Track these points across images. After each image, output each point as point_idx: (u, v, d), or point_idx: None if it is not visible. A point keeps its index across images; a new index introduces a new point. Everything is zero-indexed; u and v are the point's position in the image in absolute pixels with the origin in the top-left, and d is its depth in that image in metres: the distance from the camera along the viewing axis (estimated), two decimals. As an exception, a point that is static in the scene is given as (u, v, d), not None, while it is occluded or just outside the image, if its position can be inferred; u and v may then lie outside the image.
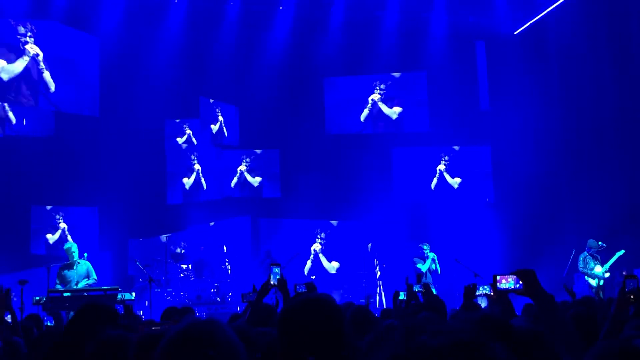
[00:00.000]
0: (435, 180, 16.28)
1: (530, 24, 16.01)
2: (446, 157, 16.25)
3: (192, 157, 16.19)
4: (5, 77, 14.08)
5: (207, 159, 16.31)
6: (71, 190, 14.11)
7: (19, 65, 14.24)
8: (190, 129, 16.09)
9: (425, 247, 13.46)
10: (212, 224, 15.94)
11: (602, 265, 12.69)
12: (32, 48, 14.33)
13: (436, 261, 13.41)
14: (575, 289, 12.58)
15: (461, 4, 15.65)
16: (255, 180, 16.49)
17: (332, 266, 15.88)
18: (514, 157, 15.41)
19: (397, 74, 16.43)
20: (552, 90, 15.64)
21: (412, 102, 16.43)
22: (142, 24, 15.06)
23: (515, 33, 16.33)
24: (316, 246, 15.94)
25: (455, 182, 16.22)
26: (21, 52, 14.24)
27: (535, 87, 15.63)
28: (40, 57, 14.38)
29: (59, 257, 13.32)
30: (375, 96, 16.48)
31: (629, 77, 14.48)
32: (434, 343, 1.33)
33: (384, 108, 16.46)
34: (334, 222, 16.06)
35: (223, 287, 14.59)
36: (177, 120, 16.09)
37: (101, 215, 14.94)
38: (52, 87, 14.55)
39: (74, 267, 10.51)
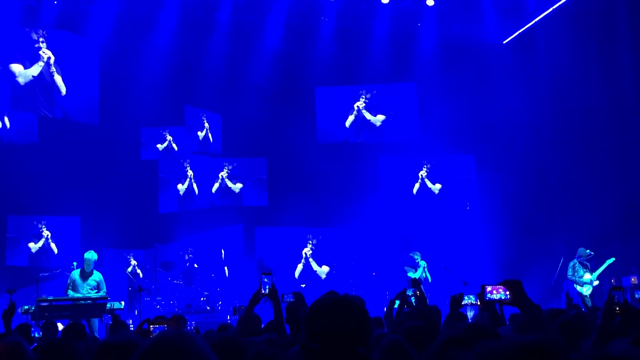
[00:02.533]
0: (417, 185, 16.37)
1: (519, 33, 16.12)
2: (428, 165, 16.35)
3: (185, 163, 16.18)
4: (21, 81, 14.17)
5: (194, 166, 16.31)
6: (51, 199, 13.95)
7: (35, 70, 14.33)
8: (170, 135, 16.06)
9: (416, 256, 13.53)
10: (210, 231, 15.93)
11: (592, 273, 12.76)
12: (45, 53, 14.40)
13: (426, 270, 13.48)
14: (563, 297, 12.66)
15: (450, 14, 15.74)
16: (236, 187, 16.48)
17: (322, 270, 15.91)
18: (502, 166, 15.48)
19: (386, 84, 16.53)
20: (540, 99, 15.73)
21: (401, 111, 16.51)
22: (132, 33, 15.08)
23: (504, 42, 16.44)
24: (307, 250, 15.97)
25: (435, 187, 16.31)
26: (36, 57, 14.31)
27: (524, 96, 15.73)
28: (52, 61, 14.43)
29: (40, 268, 13.24)
30: (360, 104, 16.57)
31: (617, 86, 14.58)
32: None
33: (367, 115, 16.56)
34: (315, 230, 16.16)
35: (213, 295, 14.55)
36: (163, 128, 16.03)
37: (83, 225, 14.74)
38: (63, 90, 14.59)
39: (87, 277, 10.74)
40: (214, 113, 16.46)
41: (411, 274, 13.36)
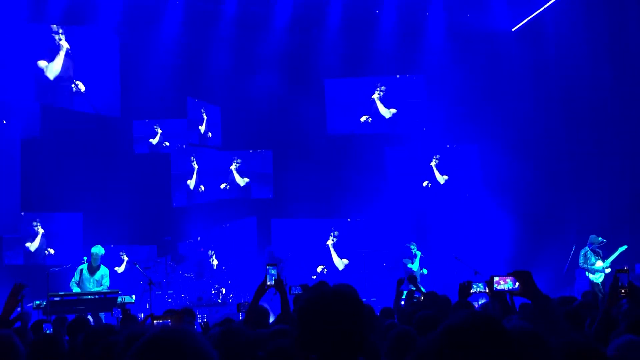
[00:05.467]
0: (430, 180, 16.37)
1: (528, 20, 15.98)
2: (438, 155, 16.28)
3: (192, 157, 16.18)
4: (51, 76, 14.27)
5: (200, 160, 16.33)
6: (53, 195, 13.83)
7: (58, 61, 14.42)
8: (161, 128, 16.00)
9: (412, 246, 13.63)
10: (227, 225, 15.96)
11: (604, 261, 12.66)
12: (64, 44, 14.51)
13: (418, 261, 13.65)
14: (576, 284, 12.60)
15: (459, 2, 15.62)
16: (243, 181, 16.48)
17: (341, 262, 15.96)
18: (513, 155, 15.37)
19: (395, 77, 16.46)
20: (550, 87, 15.62)
21: (410, 104, 16.43)
22: (138, 23, 15.06)
23: (513, 30, 16.30)
24: (329, 242, 16.00)
25: (442, 178, 16.27)
26: (57, 49, 14.41)
27: (533, 84, 15.61)
28: (70, 53, 14.50)
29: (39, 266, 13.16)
30: (376, 95, 16.53)
31: (627, 72, 14.46)
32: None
33: (380, 108, 16.50)
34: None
35: (225, 288, 14.60)
36: (154, 122, 15.92)
37: (85, 221, 14.58)
38: (82, 86, 14.64)
39: (95, 272, 10.87)
40: (214, 105, 16.38)
41: (411, 266, 13.48)
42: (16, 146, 13.82)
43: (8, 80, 13.88)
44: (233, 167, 16.50)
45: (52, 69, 14.34)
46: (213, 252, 15.55)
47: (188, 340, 1.68)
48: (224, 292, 14.41)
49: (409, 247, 13.70)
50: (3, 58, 13.73)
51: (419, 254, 13.62)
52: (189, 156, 16.16)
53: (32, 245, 14.59)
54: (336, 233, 16.05)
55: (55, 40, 14.40)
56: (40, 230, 14.60)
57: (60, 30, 14.38)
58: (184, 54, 15.49)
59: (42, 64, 14.25)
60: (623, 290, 4.20)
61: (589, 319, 4.54)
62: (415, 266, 13.49)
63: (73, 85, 14.56)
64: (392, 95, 16.55)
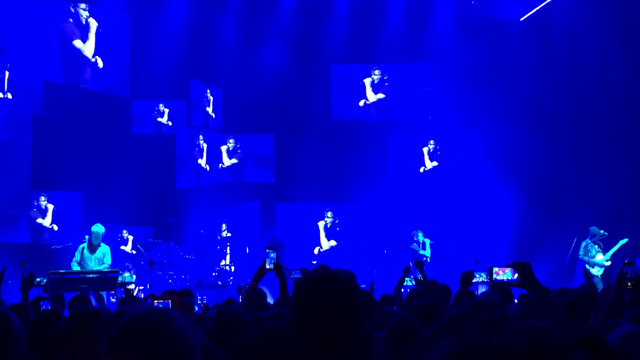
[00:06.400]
0: (424, 165, 16.38)
1: (537, 10, 15.88)
2: (432, 141, 16.22)
3: (200, 137, 16.16)
4: (89, 55, 14.31)
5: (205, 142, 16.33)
6: (53, 174, 13.80)
7: (92, 40, 14.49)
8: (166, 107, 15.92)
9: (419, 234, 13.66)
10: (229, 209, 15.98)
11: (604, 254, 12.64)
12: (93, 22, 14.53)
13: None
14: (576, 277, 12.59)
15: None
16: (230, 161, 16.45)
17: (327, 243, 15.98)
18: (516, 145, 15.34)
19: (402, 64, 16.40)
20: (558, 77, 15.55)
21: (416, 91, 16.37)
22: (145, 3, 15.01)
23: (522, 19, 16.21)
24: (321, 223, 16.01)
25: (431, 164, 16.23)
26: (87, 28, 14.44)
27: (541, 73, 15.54)
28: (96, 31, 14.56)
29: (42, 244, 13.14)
30: (368, 80, 16.47)
31: (636, 63, 14.39)
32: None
33: (367, 91, 16.45)
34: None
35: (225, 271, 14.63)
36: (157, 101, 15.87)
37: (85, 200, 14.49)
38: (101, 63, 14.64)
39: (95, 250, 10.85)
40: (216, 88, 16.33)
41: (423, 252, 13.51)
42: (27, 124, 13.82)
43: (18, 57, 13.85)
44: (224, 147, 16.46)
45: (89, 48, 14.42)
46: (226, 226, 15.58)
47: (167, 323, 1.68)
48: (233, 269, 14.49)
49: (415, 234, 13.74)
50: (18, 36, 13.69)
51: (427, 240, 13.66)
52: (194, 137, 16.14)
53: (45, 221, 14.46)
54: (329, 214, 16.05)
55: (82, 19, 14.37)
56: (50, 206, 14.55)
57: (87, 8, 14.37)
58: (190, 35, 15.45)
59: (78, 43, 14.29)
60: (630, 283, 4.20)
61: (594, 311, 4.54)
62: (427, 252, 13.58)
63: (93, 60, 14.58)
64: (397, 81, 16.49)
